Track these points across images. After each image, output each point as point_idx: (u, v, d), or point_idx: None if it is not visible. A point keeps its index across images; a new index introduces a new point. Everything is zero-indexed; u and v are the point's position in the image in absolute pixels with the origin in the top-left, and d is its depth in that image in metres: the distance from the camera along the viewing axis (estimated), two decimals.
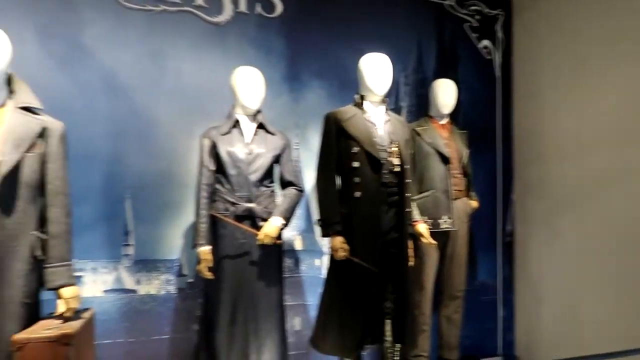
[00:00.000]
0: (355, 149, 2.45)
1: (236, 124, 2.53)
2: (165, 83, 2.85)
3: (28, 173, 1.91)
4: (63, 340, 1.77)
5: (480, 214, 3.26)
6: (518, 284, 3.61)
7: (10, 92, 1.96)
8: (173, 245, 2.81)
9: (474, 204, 3.13)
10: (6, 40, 1.92)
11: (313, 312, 3.00)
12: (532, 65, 3.50)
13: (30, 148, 1.91)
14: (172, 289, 2.80)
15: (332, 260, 2.48)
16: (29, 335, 1.76)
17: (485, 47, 3.66)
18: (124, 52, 2.78)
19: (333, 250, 2.43)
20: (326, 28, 3.22)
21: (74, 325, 1.87)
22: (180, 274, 2.81)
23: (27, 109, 1.95)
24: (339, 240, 2.39)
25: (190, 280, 2.82)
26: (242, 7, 3.04)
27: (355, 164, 2.44)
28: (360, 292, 2.39)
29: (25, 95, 1.98)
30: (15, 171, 1.85)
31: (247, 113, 2.55)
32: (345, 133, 2.48)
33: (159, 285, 2.76)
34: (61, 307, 1.96)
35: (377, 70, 2.53)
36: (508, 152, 3.65)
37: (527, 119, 3.54)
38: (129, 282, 2.70)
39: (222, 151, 2.45)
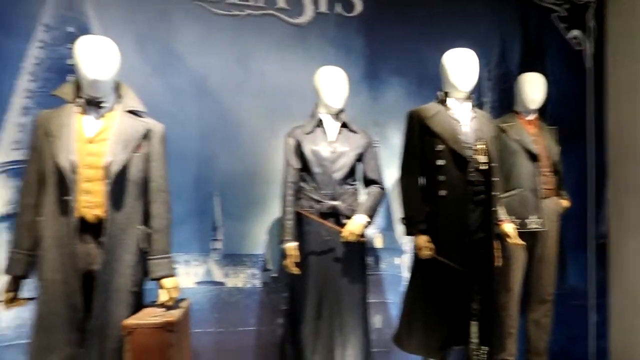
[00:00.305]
0: (440, 147, 2.41)
1: (320, 123, 2.58)
2: (250, 85, 2.96)
3: (135, 172, 2.06)
4: (167, 327, 1.90)
5: (570, 214, 3.09)
6: (613, 288, 3.38)
7: (118, 97, 2.13)
8: (258, 240, 2.92)
9: (565, 203, 2.97)
10: (116, 51, 2.09)
11: (393, 310, 3.00)
12: (629, 55, 3.26)
13: (136, 148, 2.07)
14: (258, 282, 2.91)
15: (416, 259, 2.47)
16: (137, 321, 1.91)
17: (575, 38, 3.46)
18: (213, 57, 2.92)
19: (417, 249, 2.41)
20: (405, 25, 3.20)
21: (175, 314, 2.01)
22: (265, 269, 2.92)
23: (133, 112, 2.12)
24: (423, 239, 2.37)
25: (275, 274, 2.92)
26: (323, 7, 3.10)
27: (440, 162, 2.40)
28: (445, 292, 2.36)
29: (131, 100, 2.15)
30: (124, 170, 2.01)
31: (330, 112, 2.60)
32: (429, 130, 2.45)
33: (245, 279, 2.89)
34: (163, 296, 2.11)
35: (462, 66, 2.47)
36: (601, 149, 3.43)
37: (623, 113, 3.30)
38: (217, 274, 2.84)
39: (307, 150, 2.51)
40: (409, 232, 2.45)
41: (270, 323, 2.90)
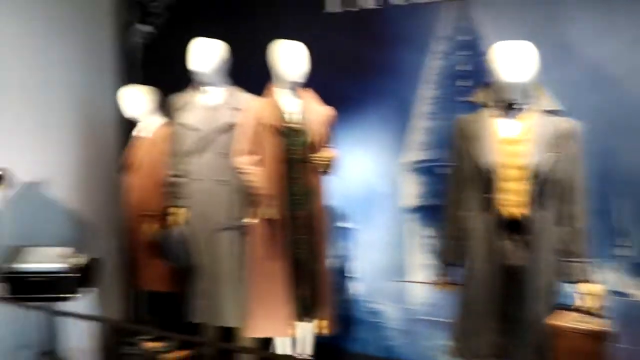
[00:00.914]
0: None
1: None
2: None
3: (555, 172, 2.04)
4: (602, 336, 1.81)
5: None
6: None
7: (534, 97, 2.14)
8: None
9: None
10: (534, 53, 2.10)
11: None
12: None
13: (556, 148, 2.05)
14: None
15: None
16: (568, 324, 1.88)
17: None
18: (608, 43, 2.63)
19: None
20: None
21: (603, 323, 1.89)
22: None
23: (550, 112, 2.10)
24: None
25: None
26: None
27: None
28: None
29: (547, 100, 2.14)
30: (545, 170, 2.02)
31: None
32: None
33: None
34: (582, 301, 2.02)
35: None
36: None
37: None
38: (624, 284, 2.56)
39: None
40: None
41: None
